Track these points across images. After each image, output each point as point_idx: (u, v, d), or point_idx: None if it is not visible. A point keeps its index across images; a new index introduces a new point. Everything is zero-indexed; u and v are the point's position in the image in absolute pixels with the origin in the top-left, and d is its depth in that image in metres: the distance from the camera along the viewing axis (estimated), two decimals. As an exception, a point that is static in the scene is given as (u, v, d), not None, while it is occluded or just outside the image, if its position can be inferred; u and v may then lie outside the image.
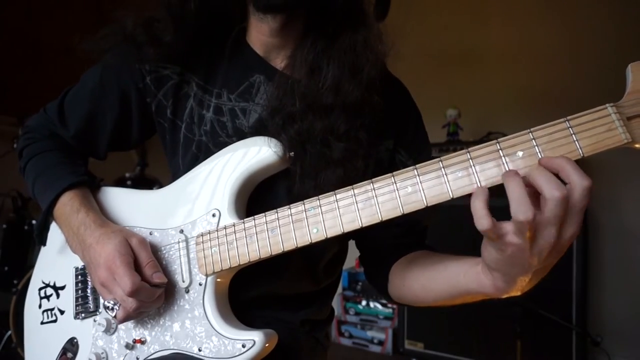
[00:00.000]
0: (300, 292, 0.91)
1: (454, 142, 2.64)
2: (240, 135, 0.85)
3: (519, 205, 0.50)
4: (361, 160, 0.77)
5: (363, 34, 0.80)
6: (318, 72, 0.79)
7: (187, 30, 0.83)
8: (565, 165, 0.50)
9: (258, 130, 0.83)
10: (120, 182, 2.97)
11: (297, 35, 0.84)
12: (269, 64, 0.87)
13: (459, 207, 0.76)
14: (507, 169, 0.54)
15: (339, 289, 2.33)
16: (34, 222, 2.64)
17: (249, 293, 0.84)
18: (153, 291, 0.74)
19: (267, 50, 0.87)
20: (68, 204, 0.84)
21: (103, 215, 0.86)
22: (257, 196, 0.81)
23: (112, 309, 0.74)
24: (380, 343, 2.87)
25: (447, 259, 0.72)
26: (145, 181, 3.05)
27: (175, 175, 0.90)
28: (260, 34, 0.85)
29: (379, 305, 2.92)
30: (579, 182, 0.49)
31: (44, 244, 0.94)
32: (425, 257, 0.80)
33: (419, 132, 0.93)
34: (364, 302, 2.96)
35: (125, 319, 0.75)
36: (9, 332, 2.31)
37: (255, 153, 0.77)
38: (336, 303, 3.01)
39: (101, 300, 0.83)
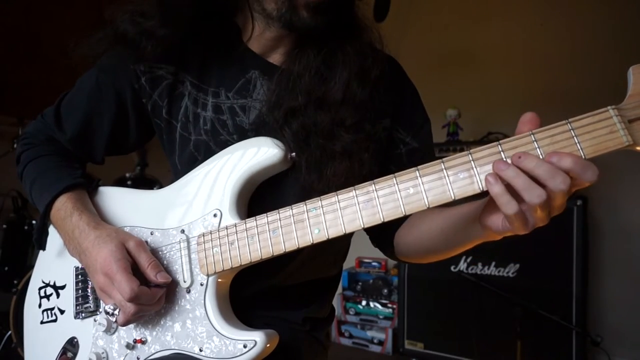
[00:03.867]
0: (307, 280, 0.91)
1: (454, 142, 2.65)
2: (241, 132, 0.85)
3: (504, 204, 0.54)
4: (366, 152, 0.78)
5: (366, 38, 0.83)
6: (326, 77, 0.81)
7: (180, 24, 0.83)
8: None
9: (259, 126, 0.84)
10: (121, 182, 2.96)
11: (295, 38, 0.85)
12: (264, 59, 0.88)
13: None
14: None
15: (339, 289, 2.34)
16: (33, 222, 2.63)
17: (252, 286, 0.84)
18: (153, 294, 0.74)
19: (264, 49, 0.87)
20: (62, 208, 0.84)
21: (101, 216, 0.86)
22: (259, 197, 0.81)
23: (113, 314, 0.74)
24: (380, 343, 2.87)
25: (444, 218, 0.75)
26: (145, 181, 3.05)
27: (175, 175, 0.91)
28: (263, 38, 0.86)
29: (379, 305, 2.92)
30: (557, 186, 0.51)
31: (44, 249, 0.93)
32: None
33: (417, 109, 0.93)
34: (364, 302, 2.96)
35: (126, 323, 0.75)
36: (9, 332, 2.31)
37: (255, 154, 0.77)
38: (336, 303, 3.01)
39: (102, 302, 0.83)
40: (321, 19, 0.77)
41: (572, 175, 0.51)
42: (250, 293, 0.84)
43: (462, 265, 2.35)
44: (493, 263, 2.28)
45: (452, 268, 2.37)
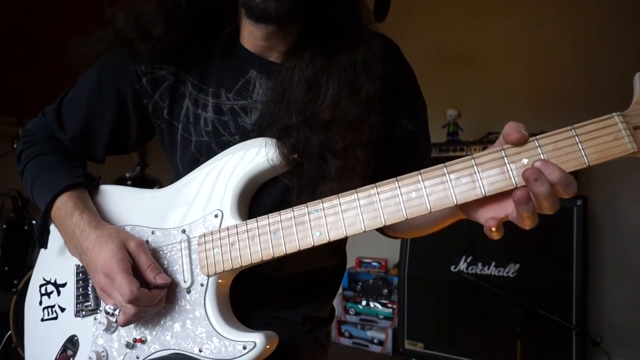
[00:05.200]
0: (305, 270, 0.90)
1: (454, 142, 2.65)
2: (244, 133, 0.85)
3: None
4: (358, 177, 0.77)
5: (362, 52, 0.80)
6: (316, 89, 0.79)
7: (178, 24, 0.83)
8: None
9: (261, 127, 0.83)
10: (121, 182, 2.96)
11: (291, 38, 0.84)
12: (263, 58, 0.87)
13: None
14: (512, 176, 0.55)
15: (339, 289, 2.33)
16: (34, 222, 2.63)
17: (249, 278, 0.83)
18: (153, 296, 0.74)
19: (260, 50, 0.86)
20: (62, 207, 0.84)
21: (101, 215, 0.86)
22: (260, 198, 0.81)
23: (113, 314, 0.74)
24: (380, 343, 2.87)
25: None
26: (145, 181, 3.05)
27: (176, 175, 0.91)
28: (253, 37, 0.85)
29: (379, 305, 2.92)
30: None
31: (45, 247, 0.93)
32: None
33: (414, 92, 0.92)
34: (364, 302, 2.96)
35: (126, 324, 0.75)
36: (9, 332, 2.31)
37: (256, 155, 0.77)
38: (336, 303, 3.00)
39: (102, 302, 0.83)
40: (274, 3, 0.73)
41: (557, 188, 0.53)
42: (248, 288, 0.84)
43: (462, 265, 2.35)
44: (493, 263, 2.28)
45: (452, 268, 2.37)
